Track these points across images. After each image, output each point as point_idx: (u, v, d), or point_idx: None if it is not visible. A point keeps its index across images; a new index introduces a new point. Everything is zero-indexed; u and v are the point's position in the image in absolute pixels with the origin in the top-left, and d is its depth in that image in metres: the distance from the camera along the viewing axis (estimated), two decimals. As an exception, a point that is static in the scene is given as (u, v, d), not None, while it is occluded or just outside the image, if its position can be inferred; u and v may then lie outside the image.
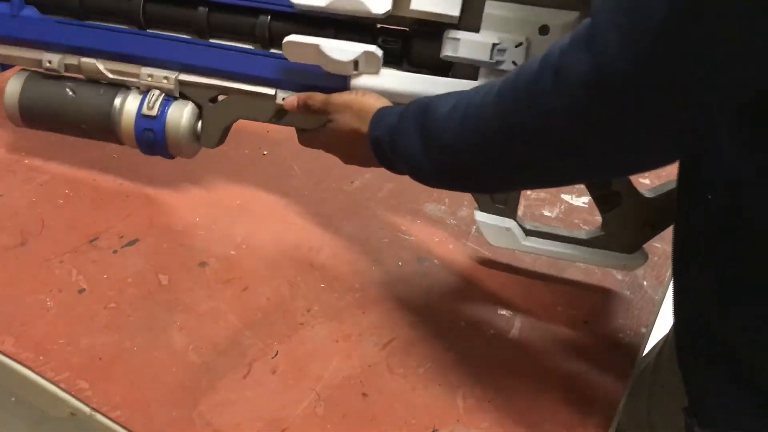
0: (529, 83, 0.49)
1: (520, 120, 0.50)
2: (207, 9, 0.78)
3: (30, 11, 0.82)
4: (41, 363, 0.67)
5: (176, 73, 0.80)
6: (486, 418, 0.67)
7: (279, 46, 0.74)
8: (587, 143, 0.48)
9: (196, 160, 0.86)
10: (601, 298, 0.82)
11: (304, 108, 0.75)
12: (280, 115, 0.78)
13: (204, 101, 0.81)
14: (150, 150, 0.83)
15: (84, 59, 0.81)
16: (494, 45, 0.69)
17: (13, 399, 0.75)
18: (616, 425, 0.69)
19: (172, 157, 0.84)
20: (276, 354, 0.71)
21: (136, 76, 0.81)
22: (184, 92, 0.81)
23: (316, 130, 0.76)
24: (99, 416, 0.64)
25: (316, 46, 0.71)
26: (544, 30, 0.69)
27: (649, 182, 0.99)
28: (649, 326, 0.79)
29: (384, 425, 0.66)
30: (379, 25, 0.75)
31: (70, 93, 0.82)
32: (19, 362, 0.68)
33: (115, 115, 0.81)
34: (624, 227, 0.76)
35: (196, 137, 0.82)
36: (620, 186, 0.74)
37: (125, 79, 0.81)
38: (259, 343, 0.72)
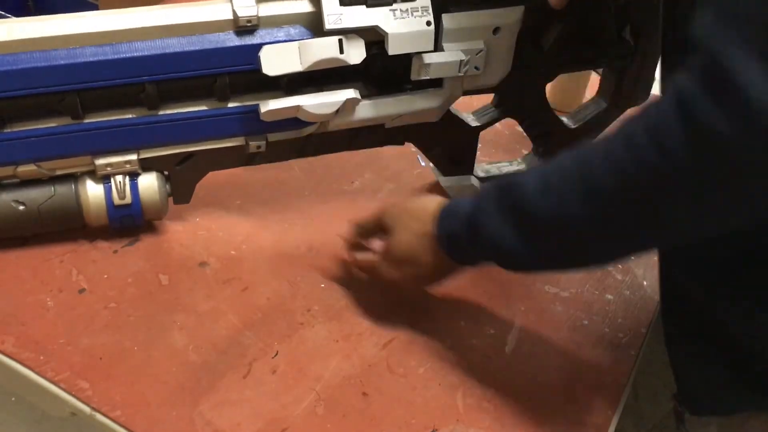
0: (653, 136, 0.44)
1: (646, 174, 0.45)
2: (155, 87, 0.69)
3: None
4: (41, 363, 0.67)
5: (136, 154, 0.73)
6: (486, 418, 0.67)
7: (240, 99, 0.72)
8: (733, 190, 0.43)
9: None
10: (600, 298, 0.82)
11: (361, 239, 0.75)
12: (251, 159, 0.77)
13: (171, 167, 0.76)
14: (125, 228, 0.79)
15: (22, 168, 0.71)
16: (462, 61, 0.73)
17: (13, 399, 0.75)
18: (615, 425, 0.69)
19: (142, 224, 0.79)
20: (276, 354, 0.71)
21: (90, 164, 0.72)
22: (146, 166, 0.74)
23: (376, 258, 0.72)
24: (99, 416, 0.64)
25: (298, 107, 0.70)
26: (496, 31, 0.74)
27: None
28: (649, 326, 0.79)
29: (384, 425, 0.66)
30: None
31: (19, 206, 0.73)
32: (20, 362, 0.68)
33: (80, 206, 0.74)
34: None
35: (167, 199, 0.78)
36: (551, 126, 0.86)
37: (76, 170, 0.73)
38: (259, 343, 0.72)
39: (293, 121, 0.73)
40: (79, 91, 0.67)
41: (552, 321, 0.78)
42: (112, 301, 0.74)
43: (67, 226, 0.76)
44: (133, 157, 0.72)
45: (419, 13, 0.70)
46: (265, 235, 0.85)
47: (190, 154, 0.75)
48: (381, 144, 0.83)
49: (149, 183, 0.75)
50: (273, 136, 0.75)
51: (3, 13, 1.57)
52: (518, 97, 0.83)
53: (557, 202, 0.51)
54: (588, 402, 0.70)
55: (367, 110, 0.75)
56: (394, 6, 0.70)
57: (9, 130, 0.68)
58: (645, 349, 0.77)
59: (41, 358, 0.68)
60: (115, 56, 0.66)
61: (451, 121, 0.82)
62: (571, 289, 0.82)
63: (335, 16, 0.68)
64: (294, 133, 0.76)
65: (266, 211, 0.89)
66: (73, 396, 0.65)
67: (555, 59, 0.82)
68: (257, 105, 0.71)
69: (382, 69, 0.75)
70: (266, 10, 0.69)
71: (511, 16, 0.74)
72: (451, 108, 0.81)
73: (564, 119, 0.89)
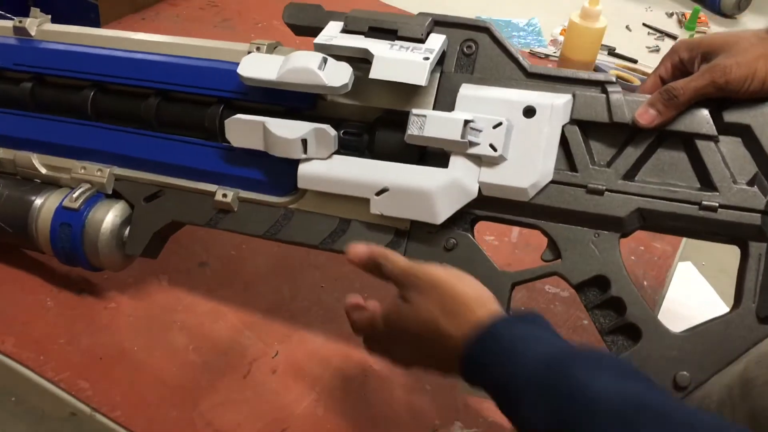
0: None
1: None
2: (157, 100, 0.69)
3: None
4: (41, 363, 0.67)
5: (111, 167, 0.71)
6: (486, 418, 0.67)
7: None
8: None
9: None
10: (600, 298, 0.81)
11: (374, 267, 0.56)
12: (219, 217, 0.67)
13: (138, 200, 0.70)
14: (67, 255, 0.70)
15: (19, 153, 0.74)
16: (467, 122, 0.58)
17: (13, 399, 0.75)
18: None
19: (94, 268, 0.71)
20: (276, 354, 0.71)
21: (67, 170, 0.72)
22: (117, 189, 0.71)
23: (378, 314, 0.56)
24: (99, 416, 0.64)
25: (262, 124, 0.62)
26: (529, 113, 0.58)
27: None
28: (649, 326, 0.79)
29: (384, 425, 0.66)
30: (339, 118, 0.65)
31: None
32: (20, 362, 0.68)
33: (33, 213, 0.70)
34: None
35: (123, 244, 0.70)
36: (637, 317, 0.59)
37: (60, 176, 0.72)
38: (259, 343, 0.72)
39: (264, 169, 0.66)
40: (97, 84, 0.72)
41: (552, 321, 0.77)
42: (112, 301, 0.74)
43: (21, 232, 0.71)
44: (107, 168, 0.70)
45: (420, 51, 0.60)
46: (265, 235, 0.85)
47: (160, 190, 0.69)
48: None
49: (108, 203, 0.70)
50: (244, 194, 0.67)
51: (3, 13, 1.56)
52: (566, 232, 0.60)
53: None
54: (588, 402, 0.70)
55: (340, 166, 0.62)
56: (395, 42, 0.62)
57: (27, 112, 0.74)
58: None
59: (41, 358, 0.68)
60: (127, 55, 0.71)
61: (470, 252, 0.61)
62: (570, 289, 0.82)
63: (328, 36, 0.63)
64: (270, 198, 0.66)
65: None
66: (73, 396, 0.65)
67: (632, 193, 0.58)
68: (225, 145, 0.66)
69: (387, 137, 0.63)
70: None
71: (553, 100, 0.58)
72: (472, 238, 0.62)
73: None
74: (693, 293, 1.30)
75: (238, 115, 0.64)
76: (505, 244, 0.87)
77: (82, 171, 0.71)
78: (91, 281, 0.76)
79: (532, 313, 0.51)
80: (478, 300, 0.51)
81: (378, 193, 0.61)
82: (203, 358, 0.70)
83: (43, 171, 0.73)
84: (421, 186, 0.59)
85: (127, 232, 0.70)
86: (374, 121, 0.64)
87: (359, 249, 0.57)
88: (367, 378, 0.70)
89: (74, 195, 0.69)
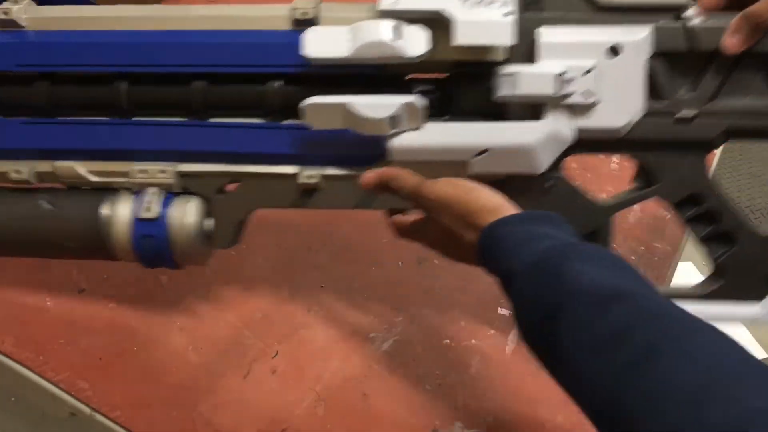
0: None
1: None
2: (204, 83, 0.63)
3: None
4: (41, 363, 0.67)
5: (174, 164, 0.65)
6: (486, 418, 0.67)
7: (291, 115, 0.63)
8: None
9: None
10: (601, 298, 0.81)
11: (385, 189, 0.60)
12: (305, 197, 0.65)
13: (211, 193, 0.66)
14: (152, 261, 0.66)
15: (59, 163, 0.65)
16: (559, 75, 0.58)
17: (13, 399, 0.75)
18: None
19: (178, 266, 0.67)
20: (276, 354, 0.71)
21: (125, 174, 0.65)
22: (186, 186, 0.66)
23: (420, 224, 0.61)
24: (99, 416, 0.64)
25: (344, 106, 0.59)
26: (614, 52, 0.58)
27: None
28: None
29: (384, 425, 0.66)
30: (409, 77, 0.63)
31: (46, 205, 0.65)
32: (19, 362, 0.68)
33: (103, 225, 0.64)
34: (745, 273, 0.63)
35: (207, 238, 0.66)
36: (730, 224, 0.62)
37: (112, 180, 0.66)
38: (259, 343, 0.72)
39: (349, 144, 0.63)
40: (128, 74, 0.64)
41: (552, 321, 0.78)
42: (112, 301, 0.74)
43: (92, 245, 0.66)
44: (171, 167, 0.65)
45: (497, 5, 0.58)
46: (265, 235, 0.85)
47: (235, 179, 0.66)
48: None
49: (183, 202, 0.65)
50: (329, 171, 0.64)
51: (3, 13, 1.56)
52: (659, 159, 0.62)
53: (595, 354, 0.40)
54: (588, 402, 0.70)
55: (434, 135, 0.60)
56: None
57: (56, 118, 0.66)
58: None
59: (41, 358, 0.68)
60: (168, 39, 0.63)
61: (565, 191, 0.63)
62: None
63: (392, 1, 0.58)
64: (356, 171, 0.64)
65: (266, 212, 0.89)
66: (73, 396, 0.65)
67: (718, 115, 0.60)
68: (303, 125, 0.62)
69: (469, 94, 0.62)
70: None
71: (636, 35, 0.58)
72: (565, 177, 0.63)
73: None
74: (693, 293, 1.30)
75: (316, 99, 0.59)
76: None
77: (142, 175, 0.65)
78: (92, 281, 0.76)
79: (547, 214, 0.53)
80: (492, 211, 0.53)
81: (477, 155, 0.60)
82: (203, 358, 0.70)
83: (93, 179, 0.66)
84: (521, 142, 0.59)
85: (208, 224, 0.66)
86: (450, 78, 0.62)
87: (368, 175, 0.60)
88: (367, 378, 0.70)
89: (146, 204, 0.64)
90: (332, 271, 0.81)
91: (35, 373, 0.67)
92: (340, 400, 0.68)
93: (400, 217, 0.64)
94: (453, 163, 0.60)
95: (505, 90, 0.59)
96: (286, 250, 0.83)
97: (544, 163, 0.60)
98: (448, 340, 0.74)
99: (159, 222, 0.64)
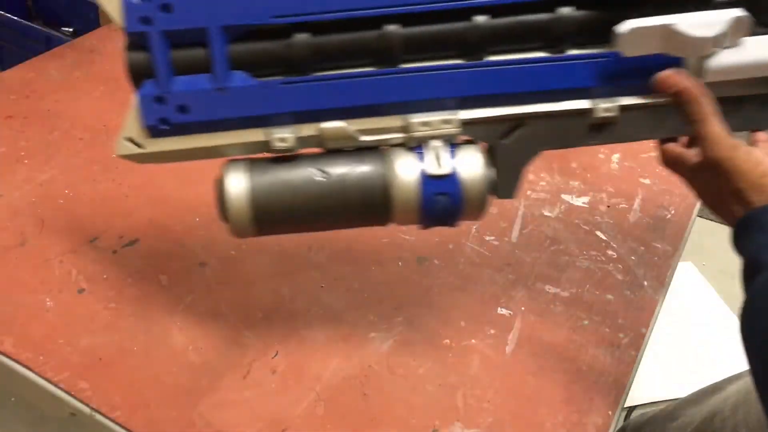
0: None
1: None
2: (486, 16, 0.57)
3: (241, 78, 0.57)
4: (41, 363, 0.67)
5: (456, 112, 0.59)
6: (486, 418, 0.67)
7: (574, 45, 0.59)
8: None
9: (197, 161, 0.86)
10: (601, 298, 0.81)
11: (678, 104, 0.56)
12: (595, 132, 0.60)
13: (495, 139, 0.60)
14: (439, 219, 0.61)
15: (327, 125, 0.59)
16: None
17: (13, 399, 0.75)
18: (615, 425, 0.69)
19: (455, 224, 0.62)
20: (276, 354, 0.71)
21: (403, 129, 0.59)
22: (469, 134, 0.60)
23: (694, 166, 0.58)
24: (99, 416, 0.64)
25: (668, 27, 0.54)
26: None
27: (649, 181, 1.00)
28: (649, 326, 0.79)
29: (384, 425, 0.66)
30: None
31: (319, 177, 0.59)
32: (19, 362, 0.67)
33: (386, 188, 0.59)
34: None
35: (492, 189, 0.61)
36: None
37: (388, 137, 0.60)
38: (259, 343, 0.72)
39: (645, 78, 0.58)
40: (399, 17, 0.57)
41: (552, 321, 0.78)
42: (112, 301, 0.74)
43: (372, 211, 0.60)
44: (454, 116, 0.59)
45: None
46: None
47: (520, 122, 0.60)
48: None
49: (471, 152, 0.59)
50: (626, 100, 0.59)
51: (3, 13, 1.56)
52: None
53: None
54: (588, 402, 0.70)
55: (757, 50, 0.55)
56: None
57: (319, 74, 0.59)
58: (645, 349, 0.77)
59: (41, 358, 0.68)
60: None
61: None
62: (571, 289, 0.82)
63: None
64: (654, 98, 0.59)
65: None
66: (73, 396, 0.65)
67: None
68: (607, 53, 0.58)
69: None
70: None
71: None
72: None
73: None
74: (693, 293, 1.30)
75: (636, 22, 0.55)
76: (504, 243, 0.87)
77: (425, 128, 0.59)
78: (91, 281, 0.76)
79: None
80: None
81: None
82: (203, 358, 0.70)
83: (365, 138, 0.59)
84: None
85: (491, 174, 0.60)
86: None
87: (675, 77, 0.55)
88: (367, 378, 0.70)
89: (436, 159, 0.58)
90: (332, 271, 0.81)
91: (35, 373, 0.67)
92: (340, 400, 0.68)
93: (675, 147, 0.60)
94: (762, 79, 0.57)
95: None
96: (286, 250, 0.83)
97: None
98: (448, 340, 0.74)
99: (452, 177, 0.59)
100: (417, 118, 0.59)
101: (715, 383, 0.80)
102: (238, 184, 0.58)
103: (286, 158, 0.59)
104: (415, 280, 0.81)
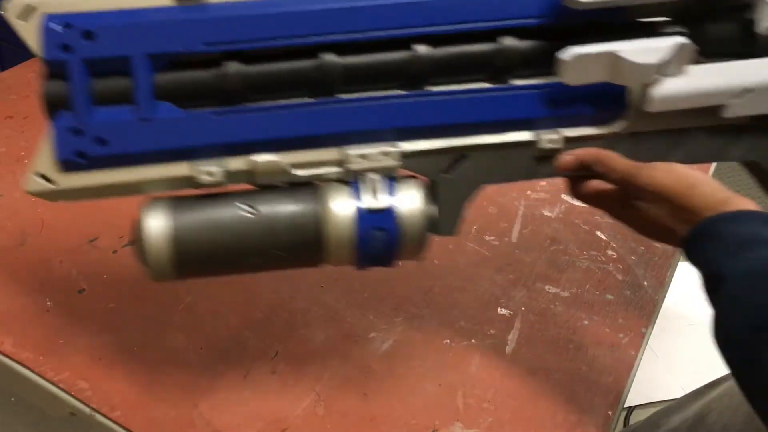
0: None
1: None
2: (427, 47, 0.55)
3: (167, 108, 0.54)
4: (41, 363, 0.67)
5: (396, 144, 0.56)
6: (486, 418, 0.67)
7: (517, 75, 0.57)
8: None
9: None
10: (601, 298, 0.81)
11: (586, 171, 0.56)
12: (541, 164, 0.58)
13: (436, 174, 0.58)
14: (376, 258, 0.58)
15: (258, 158, 0.55)
16: None
17: (13, 399, 0.75)
18: (615, 425, 0.69)
19: (396, 263, 0.60)
20: (276, 354, 0.71)
21: (339, 163, 0.56)
22: (409, 167, 0.58)
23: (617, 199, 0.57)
24: (99, 416, 0.64)
25: (612, 55, 0.53)
26: None
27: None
28: (649, 326, 0.79)
29: (384, 425, 0.66)
30: (647, 20, 0.57)
31: (247, 214, 0.55)
32: (19, 362, 0.68)
33: (319, 225, 0.55)
34: None
35: (432, 226, 0.58)
36: None
37: (323, 172, 0.57)
38: (259, 343, 0.72)
39: (599, 104, 0.57)
40: (337, 46, 0.55)
41: (552, 321, 0.78)
42: (112, 301, 0.74)
43: (305, 250, 0.57)
44: (393, 148, 0.56)
45: None
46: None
47: (462, 154, 0.58)
48: (713, 158, 0.60)
49: (409, 186, 0.56)
50: (571, 132, 0.58)
51: (3, 13, 1.56)
52: None
53: None
54: (588, 402, 0.70)
55: (700, 78, 0.54)
56: None
57: (251, 105, 0.56)
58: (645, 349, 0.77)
59: (41, 358, 0.68)
60: (376, 2, 0.54)
61: None
62: (571, 289, 0.82)
63: None
64: (598, 130, 0.58)
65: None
66: (73, 396, 0.65)
67: None
68: (551, 84, 0.56)
69: (720, 31, 0.56)
70: None
71: None
72: None
73: None
74: (693, 293, 1.30)
75: (579, 50, 0.53)
76: (505, 244, 0.87)
77: (361, 161, 0.56)
78: (91, 281, 0.76)
79: None
80: (716, 208, 0.49)
81: (737, 96, 0.54)
82: (203, 358, 0.70)
83: (299, 173, 0.56)
84: None
85: (432, 210, 0.57)
86: (692, 15, 0.56)
87: (567, 158, 0.56)
88: (367, 378, 0.70)
89: (373, 193, 0.55)
90: (332, 271, 0.81)
91: (35, 373, 0.67)
92: (340, 400, 0.68)
93: (600, 184, 0.58)
94: (705, 110, 0.55)
95: None
96: (286, 250, 0.83)
97: None
98: (448, 340, 0.74)
99: (389, 212, 0.55)
100: (354, 150, 0.56)
101: (698, 388, 0.80)
102: (158, 223, 0.54)
103: (213, 195, 0.55)
104: (415, 280, 0.81)
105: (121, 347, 0.70)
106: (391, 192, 0.56)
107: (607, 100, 0.56)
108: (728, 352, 0.45)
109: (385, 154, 0.56)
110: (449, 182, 0.58)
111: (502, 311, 0.78)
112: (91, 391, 0.66)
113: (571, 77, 0.54)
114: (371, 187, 0.55)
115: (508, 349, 0.75)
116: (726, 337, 0.45)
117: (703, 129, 0.58)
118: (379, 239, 0.56)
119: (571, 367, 0.73)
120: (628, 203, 0.57)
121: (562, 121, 0.57)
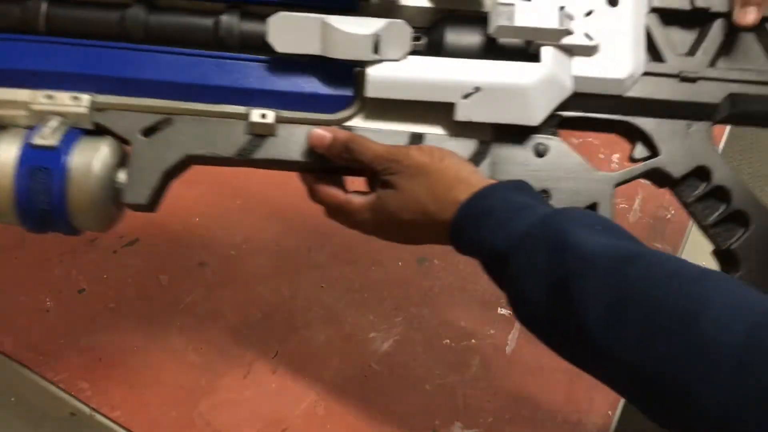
0: None
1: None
2: (142, 8, 0.54)
3: None
4: (41, 363, 0.67)
5: (90, 94, 0.53)
6: (486, 418, 0.67)
7: (251, 50, 0.55)
8: None
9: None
10: (601, 298, 0.82)
11: (340, 152, 0.52)
12: (253, 145, 0.55)
13: (133, 134, 0.53)
14: (40, 214, 0.51)
15: None
16: (561, 8, 0.52)
17: (13, 399, 0.75)
18: (615, 426, 0.69)
19: (74, 231, 0.54)
20: (276, 354, 0.71)
21: (22, 106, 0.52)
22: (101, 123, 0.53)
23: (360, 204, 0.53)
24: (99, 416, 0.64)
25: (320, 21, 0.51)
26: (613, 1, 0.55)
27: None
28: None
29: (384, 425, 0.66)
30: None
31: None
32: (19, 362, 0.68)
33: None
34: (765, 260, 0.56)
35: (117, 195, 0.53)
36: (743, 202, 0.56)
37: (7, 113, 0.53)
38: (259, 343, 0.72)
39: (314, 92, 0.55)
40: None
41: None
42: (112, 301, 0.74)
43: None
44: (85, 95, 0.53)
45: None
46: (265, 235, 0.85)
47: (167, 118, 0.54)
48: None
49: (93, 141, 0.51)
50: (286, 113, 0.55)
51: None
52: (662, 126, 0.57)
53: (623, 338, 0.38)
54: (588, 402, 0.70)
55: (419, 68, 0.53)
56: None
57: None
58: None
59: (41, 358, 0.68)
60: None
61: (561, 154, 0.56)
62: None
63: None
64: (318, 115, 0.56)
65: (266, 211, 0.89)
66: (73, 396, 0.65)
67: (720, 80, 0.57)
68: (269, 58, 0.54)
69: (458, 37, 0.55)
70: None
71: None
72: (563, 141, 0.56)
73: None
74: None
75: (286, 12, 0.51)
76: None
77: (47, 101, 0.52)
78: (92, 281, 0.76)
79: (522, 182, 0.50)
80: (464, 181, 0.49)
81: (466, 96, 0.53)
82: (203, 358, 0.70)
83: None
84: (516, 82, 0.53)
85: (121, 177, 0.52)
86: (438, 22, 0.56)
87: (317, 133, 0.52)
88: (367, 378, 0.70)
89: (45, 129, 0.50)
90: (332, 271, 0.81)
91: (35, 373, 0.67)
92: (340, 400, 0.68)
93: (340, 194, 0.54)
94: (433, 108, 0.54)
95: (502, 20, 0.52)
96: (286, 250, 0.83)
97: (539, 112, 0.54)
98: (448, 340, 0.74)
99: (57, 152, 0.50)
100: (40, 92, 0.52)
101: None
102: None
103: None
104: (415, 280, 0.81)
105: (121, 347, 0.70)
106: (70, 138, 0.51)
107: (334, 84, 0.54)
108: (535, 324, 0.44)
109: (75, 98, 0.53)
110: (146, 145, 0.54)
111: (502, 311, 0.79)
112: (91, 391, 0.66)
113: (280, 43, 0.52)
114: (48, 128, 0.51)
115: (508, 349, 0.75)
116: (527, 310, 0.44)
117: (439, 135, 0.56)
118: (40, 182, 0.49)
119: (571, 367, 0.73)
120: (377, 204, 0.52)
121: (282, 99, 0.54)
